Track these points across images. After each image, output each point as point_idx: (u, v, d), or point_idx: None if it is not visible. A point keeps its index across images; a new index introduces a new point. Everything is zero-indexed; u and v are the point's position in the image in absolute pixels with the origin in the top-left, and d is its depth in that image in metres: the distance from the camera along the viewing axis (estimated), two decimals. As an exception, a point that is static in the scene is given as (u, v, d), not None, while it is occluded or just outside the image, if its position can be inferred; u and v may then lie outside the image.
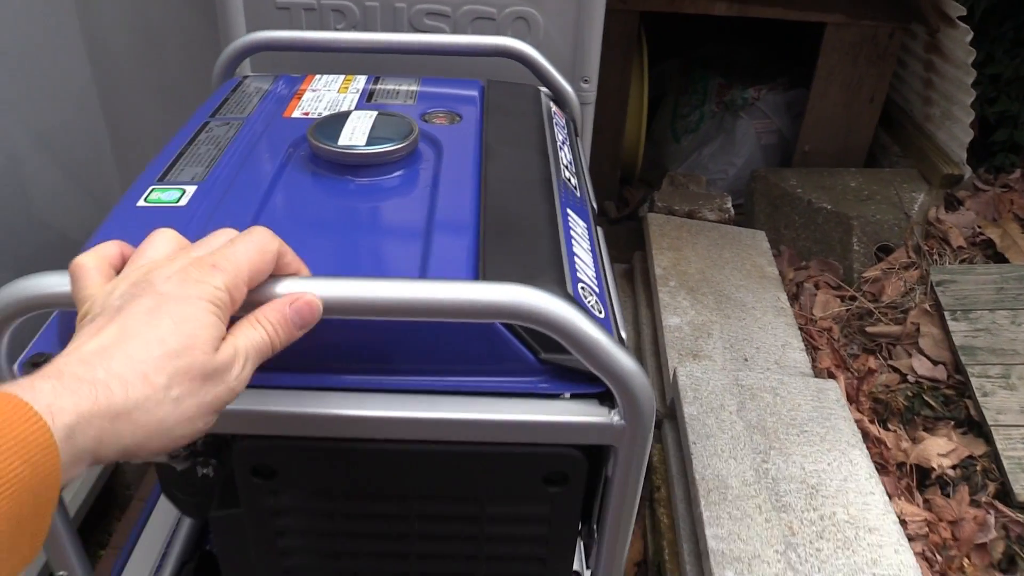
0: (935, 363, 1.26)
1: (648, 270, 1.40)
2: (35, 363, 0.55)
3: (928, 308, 1.34)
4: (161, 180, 0.68)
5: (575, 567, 0.68)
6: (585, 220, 0.74)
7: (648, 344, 1.32)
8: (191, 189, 0.66)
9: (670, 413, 1.14)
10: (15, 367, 0.53)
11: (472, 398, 0.54)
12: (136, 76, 1.33)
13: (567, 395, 0.55)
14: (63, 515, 0.59)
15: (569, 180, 0.79)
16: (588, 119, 1.09)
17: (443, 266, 0.58)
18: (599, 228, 0.78)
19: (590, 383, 0.54)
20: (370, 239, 0.63)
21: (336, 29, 1.08)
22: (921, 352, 1.28)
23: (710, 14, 1.54)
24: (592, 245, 0.71)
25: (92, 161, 1.21)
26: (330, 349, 0.54)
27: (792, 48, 1.73)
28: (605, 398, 0.55)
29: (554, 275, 0.58)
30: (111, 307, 0.40)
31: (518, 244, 0.62)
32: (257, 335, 0.43)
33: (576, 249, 0.66)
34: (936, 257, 1.46)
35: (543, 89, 0.95)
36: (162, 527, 0.95)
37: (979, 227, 1.54)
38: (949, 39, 1.47)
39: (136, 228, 0.56)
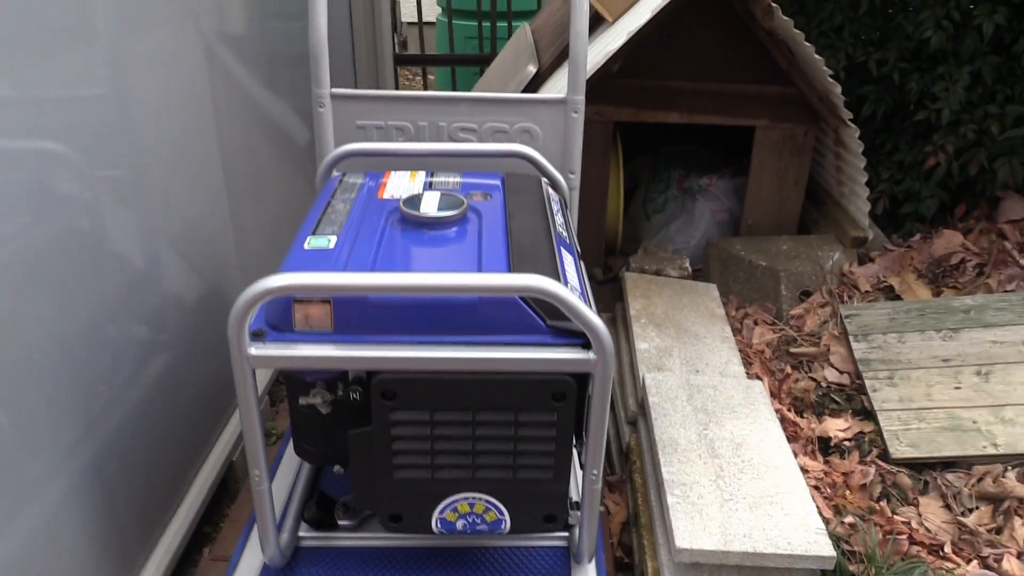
0: (841, 372, 1.68)
1: (625, 313, 1.83)
2: (256, 334, 0.99)
3: (837, 334, 1.77)
4: (313, 233, 1.12)
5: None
6: (572, 255, 1.18)
7: (626, 363, 1.74)
8: (334, 239, 1.10)
9: (641, 407, 1.55)
10: (247, 337, 0.96)
11: (510, 348, 0.97)
12: (253, 182, 1.81)
13: (563, 344, 0.98)
14: (252, 405, 1.01)
15: (562, 232, 1.24)
16: (575, 200, 1.55)
17: (490, 268, 1.02)
18: (582, 261, 1.22)
19: (576, 337, 0.97)
20: (444, 259, 1.06)
21: (398, 142, 1.55)
22: (832, 365, 1.70)
23: (667, 122, 2.03)
24: (577, 270, 1.15)
25: (218, 240, 1.65)
26: (435, 319, 0.97)
27: (736, 144, 2.21)
28: (585, 346, 0.97)
29: (552, 272, 1.02)
30: None
31: (532, 266, 1.06)
32: None
33: (567, 268, 1.10)
34: (846, 299, 1.90)
35: (543, 179, 1.41)
36: (284, 479, 1.35)
37: (883, 276, 1.98)
38: (847, 136, 1.95)
39: (308, 260, 1.01)
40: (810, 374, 1.70)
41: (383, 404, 1.01)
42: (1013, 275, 1.88)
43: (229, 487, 1.62)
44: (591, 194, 2.12)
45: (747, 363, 1.72)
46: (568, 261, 1.13)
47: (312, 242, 1.10)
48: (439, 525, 1.11)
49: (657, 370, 1.61)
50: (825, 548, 1.13)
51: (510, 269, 1.03)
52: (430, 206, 1.16)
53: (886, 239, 2.20)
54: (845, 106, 1.93)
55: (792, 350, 1.76)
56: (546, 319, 0.99)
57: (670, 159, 2.33)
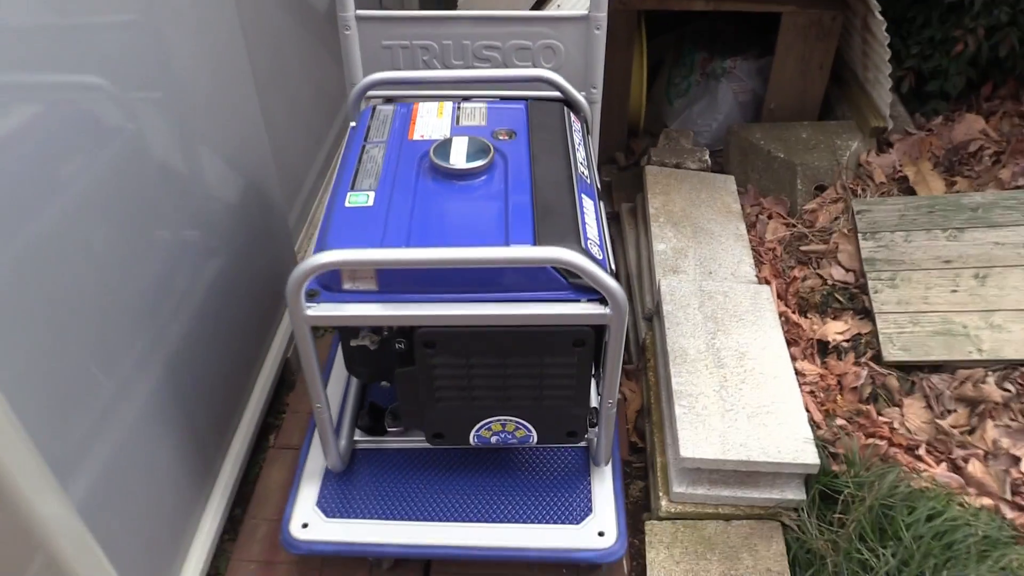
0: (847, 271, 1.79)
1: (645, 209, 1.92)
2: (310, 294, 1.11)
3: (846, 232, 1.86)
4: (352, 189, 1.22)
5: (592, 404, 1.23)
6: (592, 199, 1.27)
7: (645, 263, 1.86)
8: (372, 194, 1.20)
9: (656, 310, 1.68)
10: (303, 299, 1.09)
11: (536, 304, 1.09)
12: (279, 72, 1.86)
13: (584, 300, 1.10)
14: (312, 358, 1.16)
15: (583, 173, 1.32)
16: (596, 114, 1.60)
17: (516, 233, 1.12)
18: (601, 202, 1.31)
19: (595, 293, 1.09)
20: (474, 218, 1.16)
21: (423, 61, 1.58)
22: (839, 263, 1.80)
23: (692, 9, 2.01)
24: (596, 215, 1.24)
25: (258, 166, 1.73)
26: (469, 280, 1.08)
27: (761, 22, 2.18)
28: (602, 301, 1.09)
29: (574, 237, 1.12)
30: None
31: (554, 219, 1.16)
32: None
33: (587, 219, 1.20)
34: (860, 192, 1.96)
35: (563, 105, 1.46)
36: (337, 387, 1.53)
37: (899, 166, 2.03)
38: (874, 24, 1.93)
39: (350, 220, 1.12)
40: (818, 270, 1.81)
41: (425, 352, 1.15)
42: (1027, 167, 1.93)
43: (286, 379, 1.81)
44: (614, 81, 2.14)
45: (759, 262, 1.83)
46: (588, 209, 1.23)
47: (352, 199, 1.20)
48: (476, 440, 1.29)
49: (672, 272, 1.73)
50: (810, 456, 1.30)
51: (535, 227, 1.13)
52: (459, 156, 1.24)
53: (909, 119, 2.22)
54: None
55: (802, 248, 1.86)
56: (568, 278, 1.10)
57: (694, 39, 2.31)
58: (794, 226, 1.92)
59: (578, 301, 1.11)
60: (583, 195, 1.25)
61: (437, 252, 1.05)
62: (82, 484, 1.06)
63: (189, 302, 1.40)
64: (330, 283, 1.12)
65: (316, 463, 1.40)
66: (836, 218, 1.90)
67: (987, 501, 1.31)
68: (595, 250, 1.14)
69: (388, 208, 1.17)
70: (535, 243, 1.11)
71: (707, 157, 2.03)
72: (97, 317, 1.11)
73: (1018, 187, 1.89)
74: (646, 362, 1.68)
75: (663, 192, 1.93)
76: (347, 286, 1.12)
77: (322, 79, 2.21)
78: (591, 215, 1.22)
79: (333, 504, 1.35)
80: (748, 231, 1.89)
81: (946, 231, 1.78)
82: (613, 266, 1.18)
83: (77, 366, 1.05)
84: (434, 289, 1.11)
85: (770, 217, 1.96)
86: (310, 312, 1.10)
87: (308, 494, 1.37)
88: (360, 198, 1.20)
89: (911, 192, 1.97)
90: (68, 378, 1.03)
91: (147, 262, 1.25)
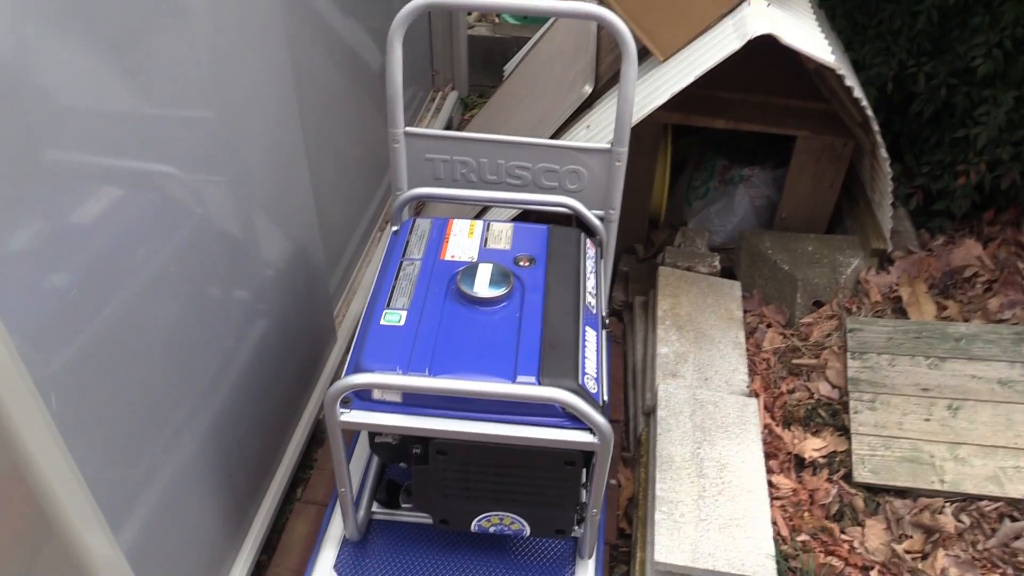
0: (833, 387, 1.95)
1: (654, 309, 2.10)
2: (344, 401, 1.31)
3: (837, 349, 2.02)
4: (388, 306, 1.42)
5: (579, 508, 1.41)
6: (596, 330, 1.45)
7: (649, 361, 2.03)
8: (404, 314, 1.40)
9: (652, 411, 1.86)
10: (338, 409, 1.29)
11: (534, 428, 1.28)
12: (330, 147, 2.08)
13: (576, 428, 1.28)
14: (342, 455, 1.36)
15: (590, 303, 1.50)
16: (612, 233, 1.78)
17: (523, 367, 1.31)
18: (605, 330, 1.49)
19: (586, 424, 1.27)
20: (489, 347, 1.35)
21: (461, 174, 1.78)
22: (826, 379, 1.96)
23: (714, 127, 2.19)
24: (597, 346, 1.42)
25: (305, 234, 1.94)
26: (480, 402, 1.27)
27: (780, 137, 2.35)
28: (592, 432, 1.27)
29: (573, 375, 1.31)
30: None
31: (558, 355, 1.34)
32: None
33: (587, 352, 1.38)
34: (856, 309, 2.12)
35: (580, 232, 1.65)
36: (359, 462, 1.72)
37: (895, 286, 2.18)
38: (880, 159, 2.09)
39: (385, 338, 1.31)
40: (807, 383, 1.97)
41: (437, 456, 1.34)
42: (1015, 300, 2.07)
43: (317, 436, 2.02)
44: (639, 181, 2.33)
45: (753, 372, 1.99)
46: (590, 341, 1.41)
47: (387, 317, 1.39)
48: (476, 528, 1.48)
49: (672, 377, 1.91)
50: (770, 571, 1.47)
51: (540, 363, 1.31)
52: (482, 285, 1.43)
53: (915, 235, 2.37)
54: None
55: (795, 360, 2.02)
56: (564, 408, 1.29)
57: (716, 147, 2.49)
58: (790, 337, 2.09)
59: (571, 429, 1.29)
60: (587, 327, 1.44)
61: (453, 383, 1.24)
62: (130, 530, 1.25)
63: (235, 362, 1.60)
64: (362, 394, 1.32)
65: (337, 528, 1.60)
66: (829, 334, 2.06)
67: (925, 628, 1.46)
68: (591, 384, 1.32)
69: (417, 330, 1.36)
70: (539, 378, 1.29)
71: (717, 263, 2.20)
72: (156, 379, 1.30)
73: (1002, 320, 2.03)
74: (640, 456, 1.86)
75: (672, 295, 2.11)
76: (376, 397, 1.32)
77: (368, 147, 2.42)
78: (591, 347, 1.41)
79: (348, 569, 1.55)
80: (747, 338, 2.05)
81: (928, 359, 1.94)
82: (605, 397, 1.36)
83: (133, 423, 1.23)
84: (449, 407, 1.30)
85: (769, 326, 2.12)
86: (343, 418, 1.30)
87: (327, 557, 1.56)
88: (394, 317, 1.39)
89: (904, 312, 2.12)
90: (125, 434, 1.21)
91: (203, 326, 1.45)
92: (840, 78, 1.90)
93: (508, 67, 3.18)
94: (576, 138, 2.06)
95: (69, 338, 1.07)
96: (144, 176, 1.24)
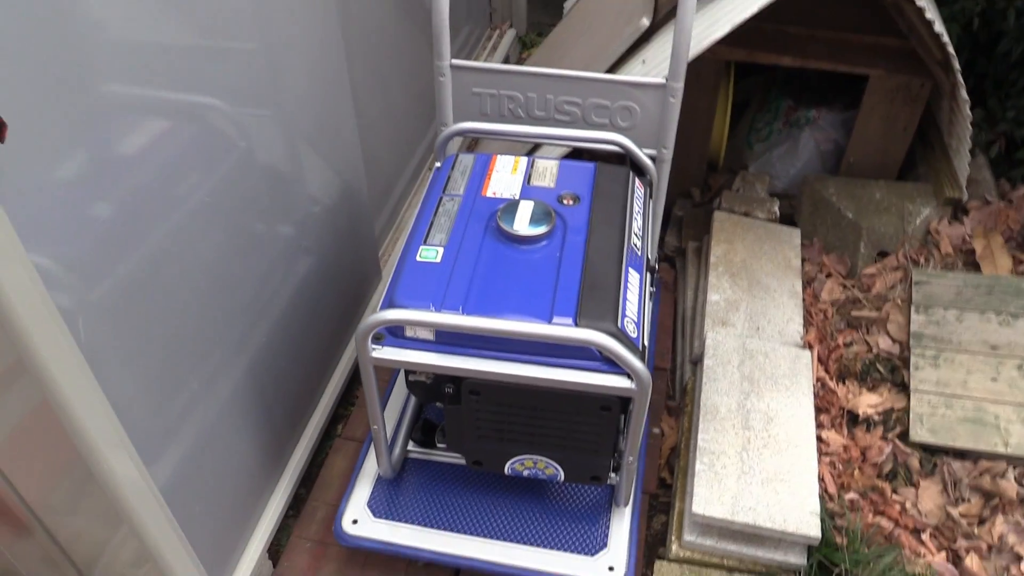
0: (894, 341, 1.85)
1: (707, 255, 2.02)
2: (376, 337, 1.28)
3: (900, 302, 1.91)
4: (424, 242, 1.38)
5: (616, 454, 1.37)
6: (639, 272, 1.39)
7: (699, 308, 1.96)
8: (441, 250, 1.36)
9: (699, 359, 1.79)
10: (370, 343, 1.26)
11: (570, 370, 1.24)
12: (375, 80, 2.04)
13: (613, 373, 1.23)
14: (374, 391, 1.35)
15: (636, 244, 1.44)
16: (664, 172, 1.70)
17: (560, 308, 1.26)
18: (650, 272, 1.43)
19: (624, 368, 1.22)
20: (527, 287, 1.31)
21: (509, 109, 1.71)
22: (887, 333, 1.86)
23: (780, 64, 2.06)
24: (640, 289, 1.36)
25: (350, 173, 1.91)
26: (514, 343, 1.23)
27: (850, 76, 2.21)
28: (630, 376, 1.23)
29: (612, 317, 1.25)
30: None
31: (597, 296, 1.28)
32: None
33: (629, 295, 1.32)
34: (923, 261, 2.00)
35: (629, 171, 1.57)
36: (398, 400, 1.71)
37: (969, 237, 2.05)
38: (960, 98, 1.94)
39: (420, 274, 1.27)
40: (866, 336, 1.88)
41: (470, 397, 1.31)
42: (1099, 256, 1.92)
43: (359, 374, 2.01)
44: (697, 121, 2.22)
45: (808, 323, 1.90)
46: (633, 284, 1.35)
47: (423, 253, 1.36)
48: (510, 470, 1.46)
49: (722, 325, 1.83)
50: (813, 530, 1.41)
51: (578, 304, 1.26)
52: (522, 222, 1.38)
53: (994, 185, 2.22)
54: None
55: (854, 312, 1.93)
56: (601, 352, 1.24)
57: (781, 87, 2.35)
58: (850, 289, 1.98)
59: (608, 373, 1.24)
60: (630, 268, 1.37)
61: (487, 322, 1.20)
62: (168, 462, 1.26)
63: (279, 298, 1.59)
64: (395, 330, 1.29)
65: (372, 466, 1.60)
66: (893, 286, 1.95)
67: (977, 595, 1.39)
68: (631, 327, 1.27)
69: (453, 267, 1.32)
70: (576, 319, 1.24)
71: (776, 209, 2.09)
72: (199, 313, 1.30)
73: (1085, 277, 1.89)
74: (685, 405, 1.80)
75: (727, 240, 2.02)
76: (409, 334, 1.29)
77: (416, 88, 2.36)
78: (634, 290, 1.35)
79: (381, 506, 1.55)
80: (804, 288, 1.96)
81: (1000, 315, 1.82)
82: (645, 341, 1.30)
83: (172, 356, 1.23)
84: (483, 346, 1.27)
85: (828, 276, 2.02)
86: (375, 354, 1.28)
87: (361, 494, 1.56)
88: (430, 253, 1.36)
89: (976, 266, 1.99)
90: (163, 367, 1.21)
91: (247, 262, 1.44)
92: (920, 11, 1.76)
93: (568, 3, 3.07)
94: (632, 73, 1.97)
95: (109, 268, 1.06)
96: (187, 109, 1.22)
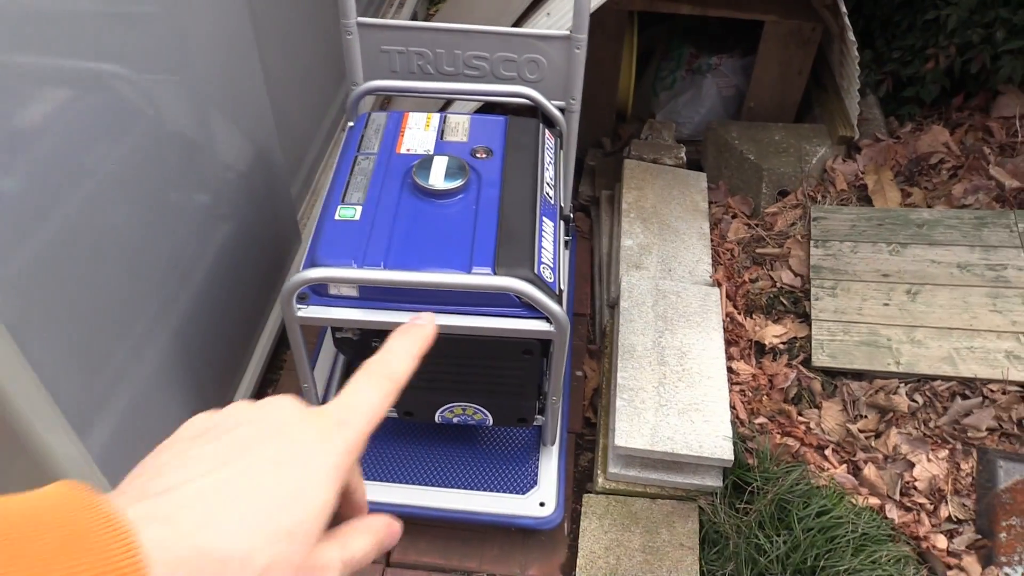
0: (796, 275, 1.97)
1: (619, 202, 2.09)
2: (301, 297, 1.30)
3: (800, 237, 2.02)
4: (342, 201, 1.40)
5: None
6: (553, 220, 1.44)
7: (614, 254, 2.03)
8: (359, 208, 1.38)
9: (616, 302, 1.87)
10: (295, 303, 1.28)
11: (491, 318, 1.28)
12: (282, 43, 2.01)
13: (532, 317, 1.29)
14: (301, 350, 1.37)
15: (548, 194, 1.49)
16: (573, 123, 1.74)
17: (479, 258, 1.30)
18: (564, 219, 1.48)
19: (542, 312, 1.27)
20: (445, 239, 1.34)
21: (418, 65, 1.72)
22: (789, 268, 1.98)
23: (679, 12, 2.12)
24: (554, 236, 1.42)
25: (263, 138, 1.89)
26: (436, 294, 1.27)
27: (748, 23, 2.29)
28: (548, 320, 1.28)
29: (528, 264, 1.30)
30: (234, 436, 0.35)
31: (514, 245, 1.33)
32: (360, 550, 0.38)
33: (544, 243, 1.37)
34: (820, 198, 2.12)
35: (539, 123, 1.62)
36: (326, 361, 1.73)
37: (862, 173, 2.18)
38: (848, 41, 2.04)
39: (340, 232, 1.30)
40: (770, 272, 1.99)
41: (396, 349, 1.35)
42: (978, 186, 2.07)
43: (285, 338, 2.02)
44: (604, 72, 2.27)
45: (716, 262, 2.00)
46: (547, 232, 1.40)
47: (341, 212, 1.37)
48: (440, 419, 1.51)
49: (636, 268, 1.91)
50: (727, 452, 1.51)
51: (496, 253, 1.31)
52: (437, 177, 1.41)
53: (883, 123, 2.35)
54: None
55: (759, 249, 2.03)
56: (520, 298, 1.29)
57: (683, 35, 2.42)
58: (754, 228, 2.09)
59: (528, 318, 1.30)
60: (544, 217, 1.42)
61: (407, 275, 1.23)
62: (101, 434, 1.26)
63: (199, 266, 1.59)
64: (319, 289, 1.31)
65: (303, 426, 1.62)
66: (793, 223, 2.07)
67: (875, 501, 1.52)
68: (547, 273, 1.32)
69: (372, 224, 1.35)
70: (494, 268, 1.29)
71: (683, 154, 2.18)
72: (119, 284, 1.29)
73: (965, 205, 2.04)
74: (605, 347, 1.88)
75: (637, 187, 2.09)
76: (332, 292, 1.31)
77: (324, 49, 2.34)
78: (548, 238, 1.40)
79: (316, 463, 1.58)
80: (712, 229, 2.05)
81: (890, 245, 1.95)
82: (563, 285, 1.36)
83: (95, 327, 1.22)
84: (406, 299, 1.30)
85: (734, 217, 2.12)
86: (300, 314, 1.30)
87: (295, 452, 1.59)
88: (348, 212, 1.38)
89: (869, 200, 2.12)
90: (87, 338, 1.20)
91: (163, 230, 1.43)
92: (807, -43, 1.84)
93: (472, -43, 3.05)
94: (537, 26, 2.00)
95: (18, 242, 1.05)
96: (89, 76, 1.19)
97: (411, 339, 0.45)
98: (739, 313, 1.88)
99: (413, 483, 1.56)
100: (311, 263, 1.30)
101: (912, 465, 1.58)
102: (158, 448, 0.37)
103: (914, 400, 1.67)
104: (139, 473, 0.35)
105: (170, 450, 0.36)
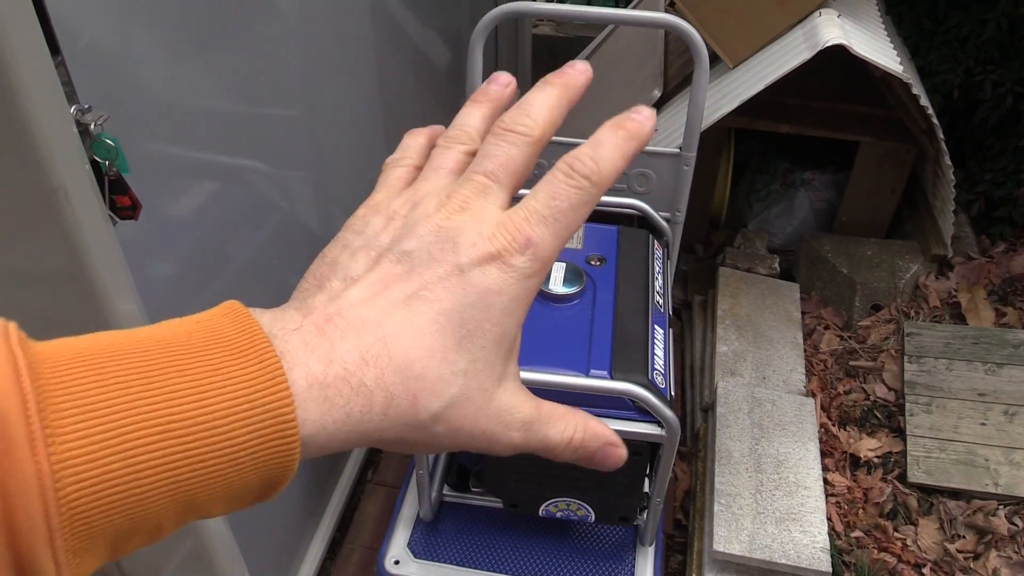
0: (890, 389, 1.99)
1: (714, 308, 2.16)
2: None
3: (894, 352, 2.06)
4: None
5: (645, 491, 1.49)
6: (663, 328, 1.53)
7: (708, 359, 2.10)
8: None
9: (711, 407, 1.92)
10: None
11: (610, 419, 1.36)
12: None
13: (643, 421, 1.36)
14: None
15: (659, 302, 1.57)
16: (678, 234, 1.84)
17: (596, 361, 1.39)
18: (671, 328, 1.57)
19: (654, 416, 1.35)
20: (565, 339, 1.44)
21: (534, 175, 1.86)
22: (883, 381, 2.01)
23: (778, 132, 2.23)
24: (664, 343, 1.50)
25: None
26: (555, 393, 1.36)
27: (843, 141, 2.38)
28: (659, 424, 1.35)
29: (643, 369, 1.38)
30: (407, 254, 0.32)
31: (630, 350, 1.42)
32: (559, 434, 0.36)
33: (656, 350, 1.45)
34: (913, 314, 2.16)
35: (648, 233, 1.72)
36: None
37: (955, 291, 2.21)
38: (943, 164, 2.12)
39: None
40: (863, 385, 2.02)
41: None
42: (1075, 310, 2.08)
43: (373, 456, 2.12)
44: (701, 182, 2.38)
45: (810, 372, 2.04)
46: (659, 339, 1.49)
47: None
48: (544, 512, 1.57)
49: (730, 375, 1.97)
50: (825, 564, 1.53)
51: (612, 358, 1.39)
52: (556, 281, 1.52)
53: (975, 242, 2.39)
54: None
55: (852, 362, 2.07)
56: (633, 402, 1.36)
57: (779, 149, 2.53)
58: (847, 340, 2.13)
59: (639, 421, 1.37)
60: (656, 325, 1.51)
61: (529, 374, 1.33)
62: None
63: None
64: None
65: (409, 510, 1.70)
66: (887, 337, 2.10)
67: (976, 625, 1.51)
68: (659, 379, 1.40)
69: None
70: (611, 372, 1.37)
71: (776, 265, 2.25)
72: None
73: (1063, 329, 2.05)
74: (699, 451, 1.93)
75: (732, 295, 2.17)
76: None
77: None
78: (660, 345, 1.48)
79: (421, 546, 1.65)
80: (805, 339, 2.11)
81: (986, 364, 1.97)
82: (672, 392, 1.43)
83: None
84: (525, 397, 1.39)
85: (827, 328, 2.17)
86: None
87: (401, 536, 1.67)
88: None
89: (962, 318, 2.15)
90: None
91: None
92: (907, 86, 1.93)
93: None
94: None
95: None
96: (236, 171, 1.34)
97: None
98: (833, 424, 1.91)
99: (512, 573, 1.61)
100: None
101: (1014, 591, 1.57)
102: (323, 251, 0.35)
103: (1014, 523, 1.67)
104: (305, 283, 0.34)
105: (335, 249, 0.35)
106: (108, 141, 0.94)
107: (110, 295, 0.95)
